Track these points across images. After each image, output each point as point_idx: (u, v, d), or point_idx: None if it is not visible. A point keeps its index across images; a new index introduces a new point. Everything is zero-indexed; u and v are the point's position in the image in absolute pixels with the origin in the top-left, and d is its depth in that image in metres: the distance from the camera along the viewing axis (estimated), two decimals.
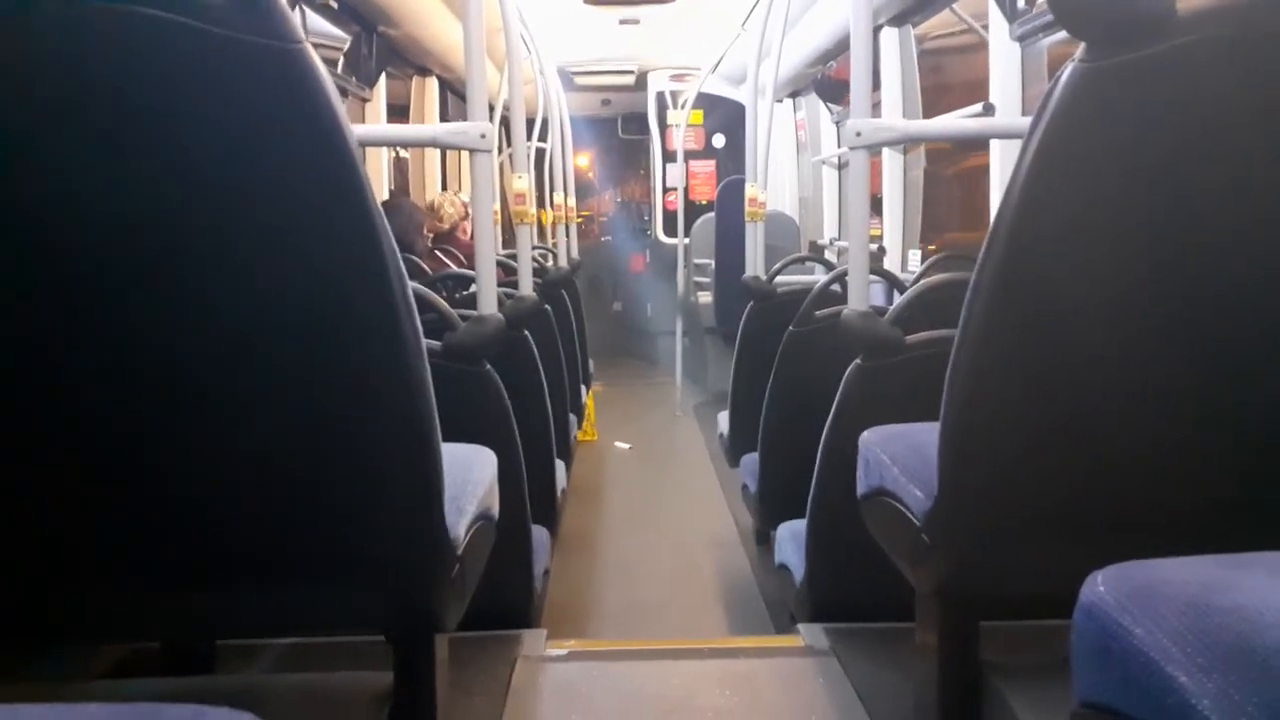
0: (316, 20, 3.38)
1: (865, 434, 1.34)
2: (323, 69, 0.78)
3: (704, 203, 6.01)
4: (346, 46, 3.64)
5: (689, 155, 5.79)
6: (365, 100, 3.73)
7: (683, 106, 5.44)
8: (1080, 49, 0.84)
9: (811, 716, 1.46)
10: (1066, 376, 0.98)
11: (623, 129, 7.22)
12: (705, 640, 2.00)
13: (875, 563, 1.32)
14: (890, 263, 3.41)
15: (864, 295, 1.59)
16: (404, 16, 3.59)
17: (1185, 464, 1.00)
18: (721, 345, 4.95)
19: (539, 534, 2.00)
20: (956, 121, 2.69)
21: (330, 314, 0.86)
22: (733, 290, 3.42)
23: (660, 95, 6.13)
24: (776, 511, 2.25)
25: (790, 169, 5.56)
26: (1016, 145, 0.90)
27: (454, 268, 3.21)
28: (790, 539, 1.98)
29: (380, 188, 4.03)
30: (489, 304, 1.61)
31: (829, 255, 4.60)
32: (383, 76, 3.82)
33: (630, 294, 7.10)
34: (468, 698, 1.50)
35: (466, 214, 3.90)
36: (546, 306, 2.77)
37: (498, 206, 4.04)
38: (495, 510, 1.24)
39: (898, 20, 3.24)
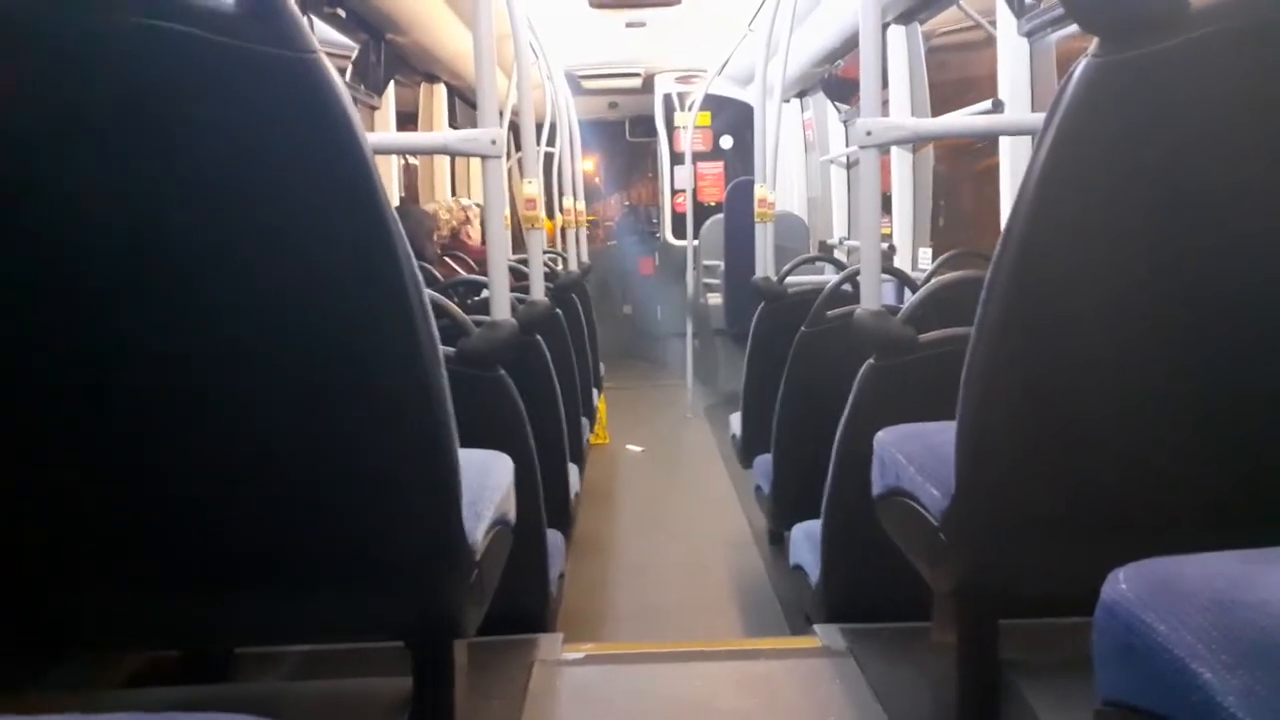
0: (324, 29, 3.40)
1: (880, 434, 1.34)
2: (337, 78, 0.79)
3: (712, 204, 6.00)
4: (354, 55, 3.66)
5: (697, 157, 5.79)
6: (374, 108, 3.75)
7: (690, 108, 5.43)
8: (1093, 44, 0.84)
9: (830, 717, 1.45)
10: (1084, 374, 0.97)
11: (630, 132, 7.23)
12: (721, 642, 2.00)
13: (891, 562, 1.32)
14: (901, 261, 3.41)
15: (876, 294, 1.59)
16: (411, 24, 3.60)
17: (1203, 460, 0.99)
18: (732, 347, 4.95)
19: (554, 538, 2.00)
20: (965, 119, 2.68)
21: (348, 322, 0.87)
22: (743, 291, 3.42)
23: (667, 97, 6.13)
24: (790, 512, 2.25)
25: (799, 169, 5.55)
26: (1025, 141, 0.90)
27: (464, 274, 3.22)
28: (805, 540, 1.98)
29: (391, 195, 4.05)
30: (502, 309, 1.62)
31: (839, 255, 4.60)
32: (391, 84, 3.84)
33: (640, 297, 7.09)
34: (486, 702, 1.50)
35: (466, 218, 3.91)
36: (558, 310, 2.78)
37: (508, 212, 4.06)
38: (512, 515, 1.24)
39: (905, 18, 3.23)
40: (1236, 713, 0.55)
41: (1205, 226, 0.90)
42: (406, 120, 4.54)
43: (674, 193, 6.16)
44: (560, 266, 3.87)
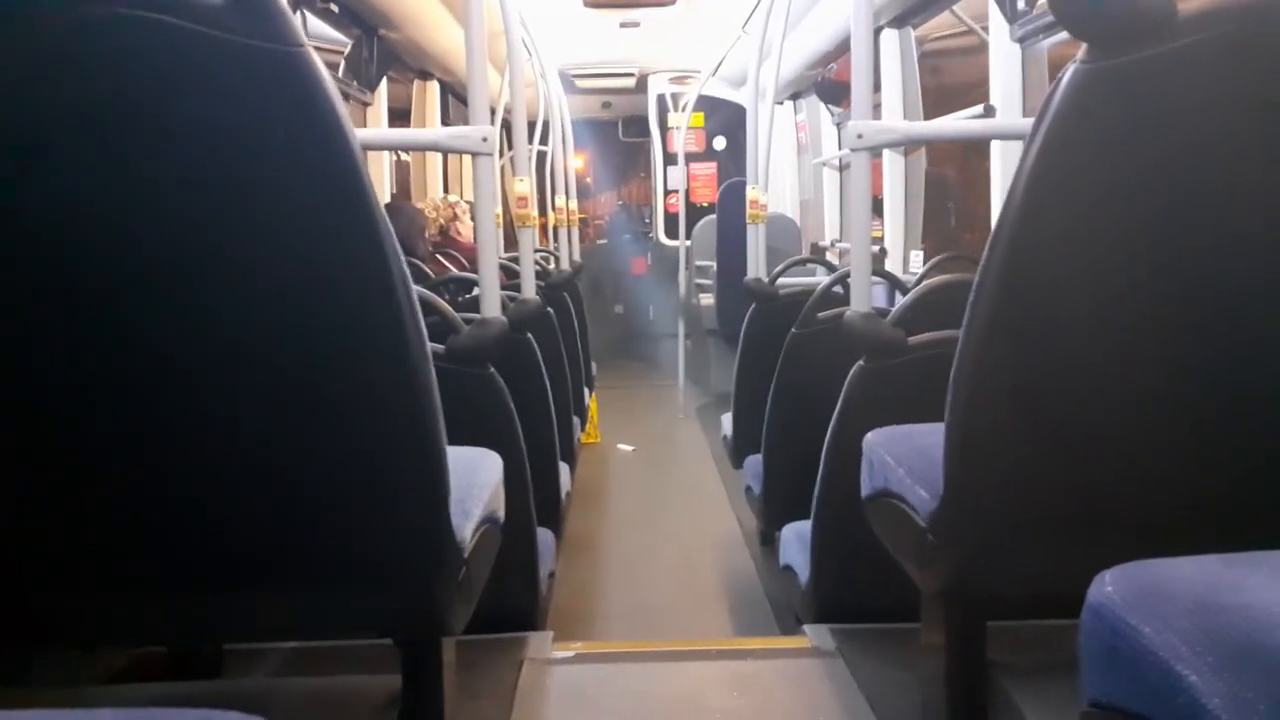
0: (317, 24, 3.38)
1: (869, 435, 1.34)
2: (325, 72, 0.79)
3: (705, 205, 6.01)
4: (347, 50, 3.64)
5: (690, 158, 5.79)
6: (366, 104, 3.74)
7: (683, 109, 5.44)
8: (1082, 50, 0.85)
9: (819, 717, 1.46)
10: (1071, 377, 0.98)
11: (624, 132, 7.22)
12: (711, 642, 2.00)
13: (880, 564, 1.32)
14: (892, 264, 3.41)
15: (866, 297, 1.60)
16: (405, 20, 3.59)
17: (1190, 463, 1.00)
18: (723, 347, 4.95)
19: (544, 536, 2.00)
20: (957, 123, 2.69)
21: (335, 318, 0.86)
22: (734, 292, 3.42)
23: (661, 98, 6.14)
24: (781, 513, 2.25)
25: (791, 171, 5.56)
26: (1017, 147, 0.91)
27: (455, 271, 3.21)
28: (795, 540, 1.98)
29: (382, 191, 4.04)
30: (492, 307, 1.61)
31: (830, 257, 4.60)
32: (384, 80, 3.83)
33: (632, 296, 7.10)
34: (475, 701, 1.50)
35: (454, 214, 3.90)
36: (549, 309, 2.78)
37: (499, 210, 4.06)
38: (501, 513, 1.24)
39: (898, 22, 3.24)
40: (1220, 715, 0.56)
41: (1192, 231, 0.90)
42: (400, 117, 4.53)
43: (667, 193, 6.16)
44: (552, 265, 3.87)
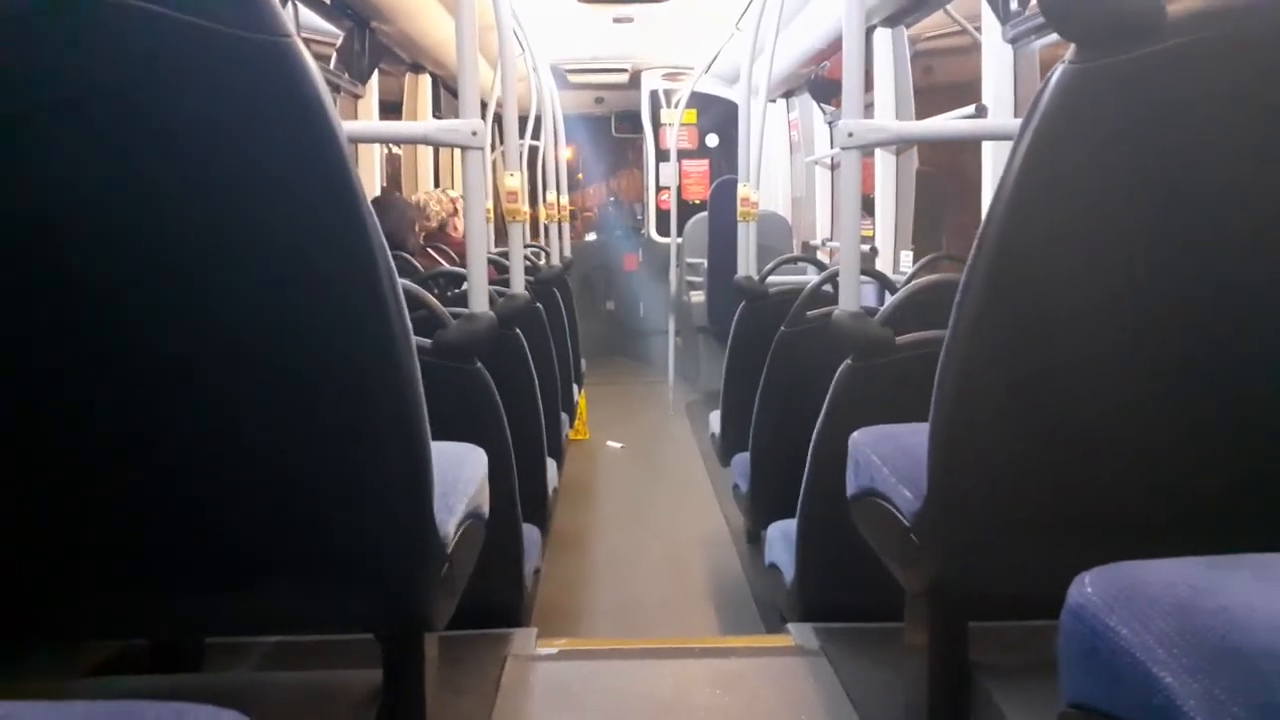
0: (309, 15, 3.36)
1: (855, 434, 1.34)
2: (312, 63, 0.78)
3: (697, 202, 6.01)
4: (339, 42, 3.63)
5: (682, 154, 5.79)
6: (358, 97, 3.72)
7: (676, 105, 5.44)
8: (1070, 50, 0.85)
9: (802, 716, 1.46)
10: (1056, 378, 0.98)
11: (616, 127, 7.22)
12: (696, 639, 2.01)
13: (865, 563, 1.33)
14: (882, 263, 3.42)
15: (855, 296, 1.60)
16: (397, 12, 3.58)
17: (1173, 465, 1.00)
18: (714, 344, 4.96)
19: (530, 532, 2.00)
20: (949, 123, 2.69)
21: (319, 311, 0.86)
22: (725, 290, 3.42)
23: (654, 94, 6.13)
24: (767, 511, 2.25)
25: (783, 169, 5.57)
26: (1009, 147, 0.91)
27: (446, 265, 3.20)
28: (781, 539, 1.99)
29: (372, 185, 4.02)
30: (480, 302, 1.61)
31: (821, 256, 4.61)
32: (375, 73, 3.81)
33: (622, 293, 7.09)
34: (457, 696, 1.49)
35: (456, 210, 3.89)
36: (538, 305, 2.77)
37: (490, 204, 4.05)
38: (485, 509, 1.24)
39: (891, 21, 3.24)
40: (1196, 717, 0.56)
41: (1179, 231, 0.91)
42: (392, 110, 4.51)
43: (659, 189, 6.16)
44: (542, 260, 3.86)
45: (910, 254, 3.37)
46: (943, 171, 3.71)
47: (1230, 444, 0.99)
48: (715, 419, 3.03)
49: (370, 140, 3.58)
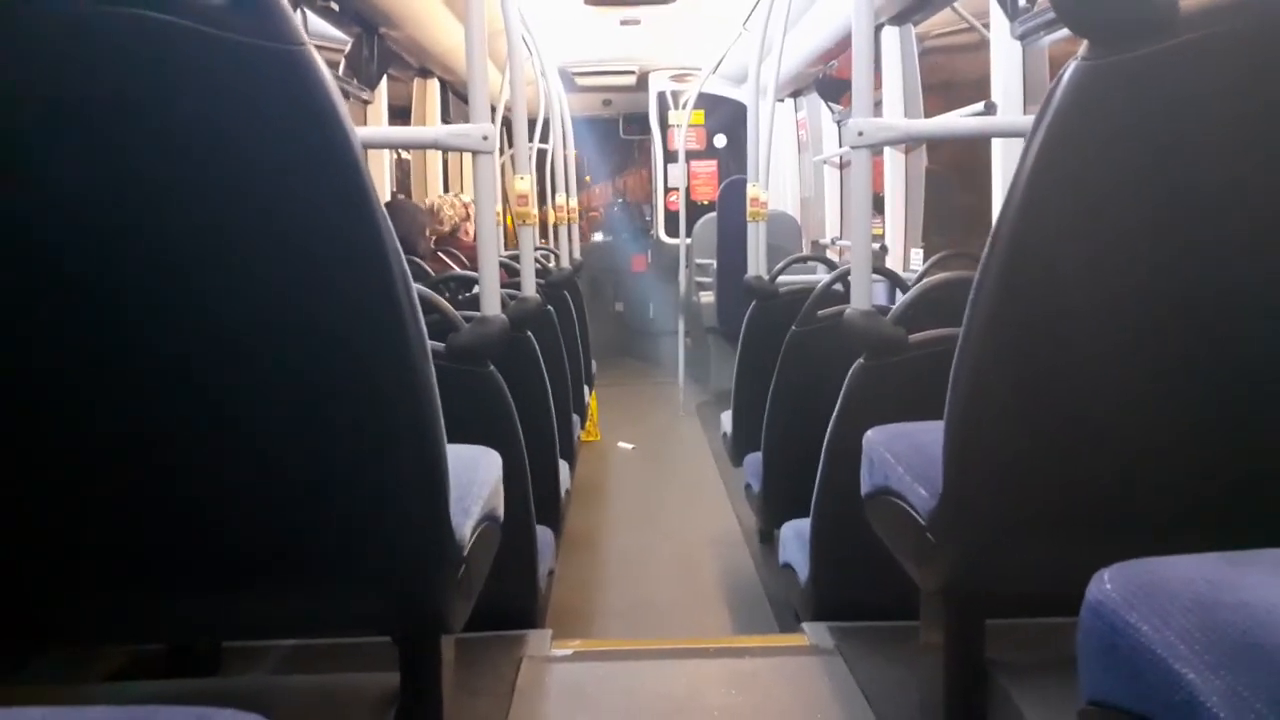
0: (317, 22, 3.38)
1: (869, 433, 1.34)
2: (325, 71, 0.79)
3: (705, 203, 6.00)
4: (348, 48, 3.64)
5: (690, 155, 5.79)
6: (367, 102, 3.73)
7: (684, 107, 5.44)
8: (1083, 47, 0.84)
9: (817, 715, 1.46)
10: (1070, 374, 0.98)
11: (624, 129, 7.22)
12: (710, 640, 2.00)
13: (880, 561, 1.32)
14: (893, 261, 3.41)
15: (867, 294, 1.59)
16: (405, 18, 3.59)
17: (1189, 461, 1.00)
18: (724, 345, 4.95)
19: (543, 534, 2.00)
20: (958, 121, 2.69)
21: (335, 316, 0.86)
22: (735, 290, 3.42)
23: (661, 95, 6.13)
24: (780, 511, 2.25)
25: (792, 168, 5.56)
26: (1018, 144, 0.90)
27: (456, 269, 3.21)
28: (794, 538, 1.98)
29: (383, 189, 4.04)
30: (492, 305, 1.61)
31: (831, 255, 4.60)
32: (384, 78, 3.82)
33: (632, 294, 7.09)
34: (473, 698, 1.50)
35: (468, 215, 3.90)
36: (549, 307, 2.78)
37: (500, 208, 4.06)
38: (500, 511, 1.24)
39: (899, 19, 3.24)
40: (1219, 713, 0.56)
41: (1193, 230, 0.90)
42: (401, 115, 4.53)
43: (667, 191, 6.16)
44: (552, 263, 3.87)
45: (920, 252, 3.36)
46: (948, 167, 3.69)
47: (1247, 440, 0.98)
48: (726, 419, 3.03)
49: (382, 146, 3.59)
